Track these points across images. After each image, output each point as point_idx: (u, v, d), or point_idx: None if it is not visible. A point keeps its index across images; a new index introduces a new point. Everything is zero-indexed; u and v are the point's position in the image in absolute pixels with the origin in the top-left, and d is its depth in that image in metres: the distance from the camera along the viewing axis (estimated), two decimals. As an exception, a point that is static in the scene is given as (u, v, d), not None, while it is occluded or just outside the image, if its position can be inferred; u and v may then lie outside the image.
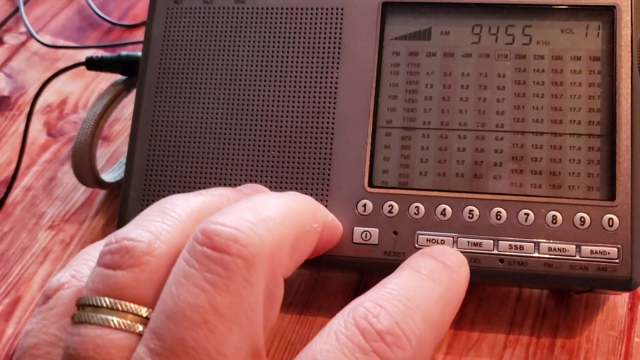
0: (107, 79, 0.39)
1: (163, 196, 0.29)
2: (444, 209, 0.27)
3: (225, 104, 0.30)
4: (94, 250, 0.25)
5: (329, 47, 0.29)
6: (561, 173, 0.27)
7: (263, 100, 0.30)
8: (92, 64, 0.34)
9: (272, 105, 0.29)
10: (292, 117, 0.29)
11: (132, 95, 0.34)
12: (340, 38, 0.29)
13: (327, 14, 0.30)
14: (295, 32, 0.30)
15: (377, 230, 0.28)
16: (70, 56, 0.42)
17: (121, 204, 0.30)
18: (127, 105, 0.39)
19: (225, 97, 0.30)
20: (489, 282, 0.29)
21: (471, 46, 0.29)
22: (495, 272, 0.27)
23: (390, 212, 0.28)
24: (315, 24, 0.30)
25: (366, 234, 0.28)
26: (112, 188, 0.35)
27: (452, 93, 0.28)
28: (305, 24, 0.30)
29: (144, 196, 0.30)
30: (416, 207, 0.28)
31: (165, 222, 0.23)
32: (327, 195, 0.28)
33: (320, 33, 0.30)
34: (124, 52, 0.34)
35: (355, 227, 0.28)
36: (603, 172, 0.27)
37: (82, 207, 0.35)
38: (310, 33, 0.30)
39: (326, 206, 0.28)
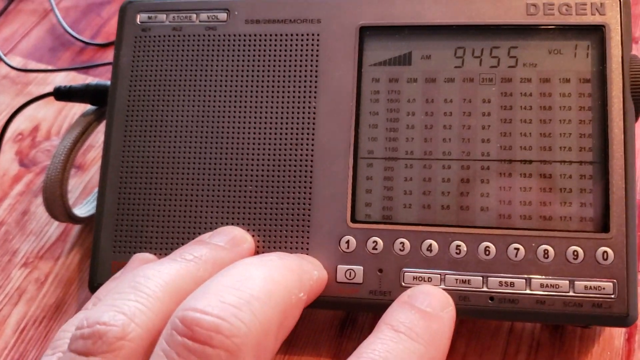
0: (79, 104, 0.38)
1: (135, 232, 0.28)
2: (430, 245, 0.26)
3: (197, 136, 0.28)
4: (73, 327, 0.24)
5: (305, 76, 0.28)
6: (552, 203, 0.26)
7: (237, 132, 0.28)
8: (61, 95, 0.33)
9: (248, 138, 0.28)
10: (268, 149, 0.28)
11: (103, 121, 0.33)
12: (317, 65, 0.28)
13: (302, 40, 0.28)
14: (269, 60, 0.28)
15: (362, 268, 0.26)
16: (42, 79, 0.40)
17: (93, 241, 0.29)
18: (102, 131, 0.37)
19: (197, 129, 0.28)
20: (479, 319, 0.28)
21: (454, 70, 0.27)
22: (485, 310, 0.25)
23: (374, 248, 0.26)
24: (290, 51, 0.28)
25: (350, 272, 0.26)
26: (86, 222, 0.33)
27: (434, 121, 0.27)
28: (280, 51, 0.28)
29: (117, 232, 0.28)
30: (401, 242, 0.26)
31: (139, 300, 0.21)
32: (308, 232, 0.27)
33: (295, 61, 0.28)
34: (92, 82, 0.32)
35: (339, 265, 0.27)
36: (596, 202, 0.26)
37: (56, 242, 0.34)
38: (285, 61, 0.28)
39: (308, 244, 0.27)
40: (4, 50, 0.42)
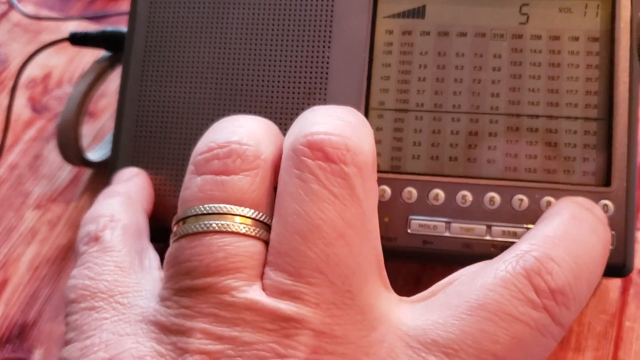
0: (91, 52, 0.38)
1: (151, 174, 0.29)
2: (437, 194, 0.27)
3: (213, 83, 0.29)
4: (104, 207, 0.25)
5: (320, 26, 0.29)
6: (556, 157, 0.27)
7: (252, 80, 0.29)
8: (76, 40, 0.33)
9: (262, 85, 0.29)
10: (282, 97, 0.28)
11: (118, 70, 0.34)
12: (332, 16, 0.28)
13: (318, -10, 0.29)
14: (285, 9, 0.29)
15: (369, 214, 0.27)
16: (53, 28, 0.41)
17: (109, 182, 0.30)
18: (113, 80, 0.37)
19: (213, 76, 0.29)
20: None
21: (466, 25, 0.28)
22: (488, 258, 0.26)
23: (382, 196, 0.27)
24: (306, 1, 0.29)
25: (358, 218, 0.27)
26: (99, 167, 0.34)
27: (446, 74, 0.28)
28: (296, 1, 0.29)
29: (132, 177, 0.29)
30: (409, 191, 0.27)
31: (255, 131, 0.22)
32: (318, 179, 0.28)
33: (311, 11, 0.29)
34: (108, 28, 0.33)
35: (346, 212, 0.27)
36: (599, 157, 0.26)
37: (68, 186, 0.34)
38: (301, 10, 0.29)
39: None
40: (16, -2, 0.42)
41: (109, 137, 0.35)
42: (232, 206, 0.20)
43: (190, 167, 0.22)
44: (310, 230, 0.19)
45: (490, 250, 0.26)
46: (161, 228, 0.27)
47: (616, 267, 0.26)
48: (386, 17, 0.28)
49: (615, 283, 0.29)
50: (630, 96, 0.26)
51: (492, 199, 0.27)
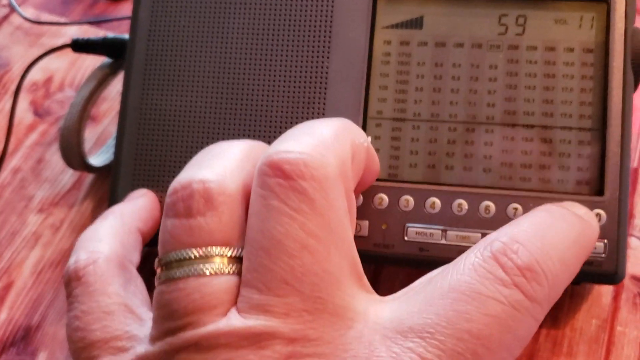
0: (92, 57, 0.38)
1: (153, 183, 0.29)
2: (434, 202, 0.27)
3: (213, 92, 0.29)
4: (90, 232, 0.25)
5: (319, 36, 0.29)
6: (550, 167, 0.27)
7: (252, 89, 0.29)
8: (78, 47, 0.33)
9: (262, 94, 0.29)
10: (282, 106, 0.29)
11: (119, 74, 0.34)
12: (331, 27, 0.29)
13: (317, 1, 0.29)
14: (285, 19, 0.29)
15: (367, 222, 0.28)
16: (54, 31, 0.41)
17: (110, 191, 0.30)
18: (114, 84, 0.38)
19: (214, 85, 0.30)
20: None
21: (463, 36, 0.28)
22: (483, 265, 0.27)
23: (380, 204, 0.28)
24: (306, 11, 0.29)
25: (357, 226, 0.28)
26: (101, 171, 0.35)
27: (443, 84, 0.28)
28: (296, 10, 0.29)
29: (134, 183, 0.30)
30: (406, 199, 0.28)
31: (225, 163, 0.22)
32: (317, 187, 0.28)
33: (310, 21, 0.29)
34: (110, 35, 0.33)
35: (345, 219, 0.28)
36: (592, 167, 0.27)
37: (70, 190, 0.35)
38: (300, 20, 0.29)
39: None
40: (17, 1, 0.42)
41: (110, 142, 0.35)
42: (203, 249, 0.21)
43: (164, 208, 0.22)
44: (272, 245, 0.20)
45: (486, 258, 0.27)
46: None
47: (608, 275, 0.26)
48: (385, 28, 0.29)
49: (608, 288, 0.30)
50: (623, 107, 0.27)
51: (487, 208, 0.27)
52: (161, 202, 0.29)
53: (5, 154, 0.35)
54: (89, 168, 0.34)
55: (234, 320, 0.20)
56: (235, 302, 0.21)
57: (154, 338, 0.21)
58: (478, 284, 0.20)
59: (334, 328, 0.20)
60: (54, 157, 0.36)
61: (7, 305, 0.31)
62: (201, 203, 0.21)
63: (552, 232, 0.22)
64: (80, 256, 0.25)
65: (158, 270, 0.22)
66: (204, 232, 0.21)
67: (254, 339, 0.20)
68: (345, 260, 0.21)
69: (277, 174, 0.21)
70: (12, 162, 0.36)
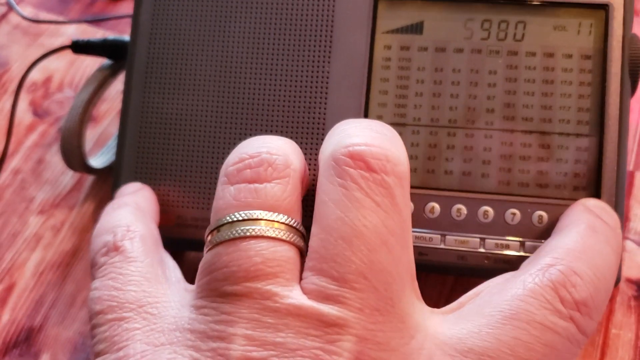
0: (92, 58, 0.38)
1: (154, 184, 0.29)
2: (433, 207, 0.28)
3: (214, 95, 0.30)
4: (116, 216, 0.25)
5: (320, 41, 0.29)
6: (548, 173, 0.28)
7: (253, 92, 0.29)
8: (79, 48, 0.33)
9: (263, 98, 0.29)
10: (283, 110, 0.29)
11: (120, 75, 0.34)
12: (332, 31, 0.29)
13: (318, 6, 0.29)
14: (286, 23, 0.29)
15: (367, 226, 0.28)
16: (53, 30, 0.41)
17: (112, 192, 0.30)
18: (114, 84, 0.38)
19: (215, 88, 0.30)
20: (475, 278, 0.29)
21: (463, 41, 0.29)
22: (481, 269, 0.27)
23: (380, 208, 0.28)
24: (307, 16, 0.29)
25: (356, 230, 0.28)
26: (101, 173, 0.35)
27: (442, 89, 0.28)
28: (297, 15, 0.29)
29: (135, 186, 0.30)
30: (405, 204, 0.28)
31: (282, 144, 0.23)
32: (317, 191, 0.29)
33: (311, 26, 0.29)
34: (110, 37, 0.33)
35: (345, 223, 0.28)
36: (590, 173, 0.27)
37: (71, 191, 0.35)
38: (301, 25, 0.29)
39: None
40: (15, 0, 0.42)
41: (111, 143, 0.36)
42: (267, 212, 0.21)
43: (222, 179, 0.22)
44: (354, 235, 0.20)
45: (484, 263, 0.27)
46: (164, 238, 0.28)
47: (604, 279, 0.27)
48: (385, 33, 0.29)
49: (603, 291, 0.30)
50: (620, 113, 0.27)
51: (486, 213, 0.27)
52: (161, 199, 0.29)
53: (5, 155, 0.36)
54: (90, 169, 0.34)
55: (306, 302, 0.19)
56: (297, 279, 0.20)
57: (200, 306, 0.20)
58: (539, 314, 0.21)
59: (400, 335, 0.20)
60: (54, 159, 0.36)
61: (10, 306, 0.31)
62: (269, 171, 0.21)
63: (602, 261, 0.23)
64: (118, 232, 0.24)
65: (209, 237, 0.21)
66: (270, 196, 0.21)
67: (326, 330, 0.19)
68: (409, 264, 0.21)
69: (360, 166, 0.21)
70: (12, 163, 0.36)
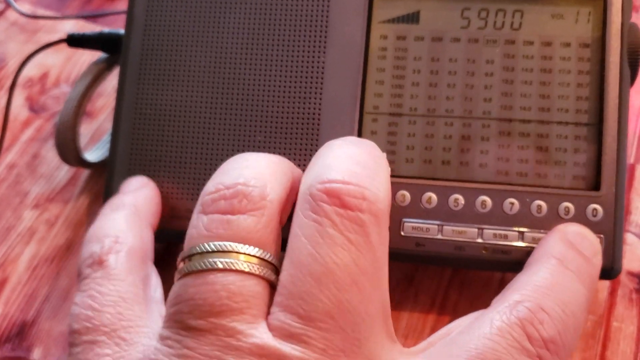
0: (89, 52, 0.38)
1: (148, 177, 0.29)
2: (430, 197, 0.27)
3: (209, 87, 0.29)
4: (109, 222, 0.25)
5: (315, 31, 0.29)
6: (547, 162, 0.27)
7: (248, 84, 0.29)
8: (74, 41, 0.33)
9: (258, 89, 0.29)
10: (278, 101, 0.29)
11: (115, 70, 0.34)
12: (327, 21, 0.29)
13: (314, -5, 0.29)
14: (281, 14, 0.29)
15: (363, 217, 0.28)
16: (50, 26, 0.41)
17: (106, 186, 0.30)
18: (110, 79, 0.38)
19: (210, 80, 0.29)
20: (473, 269, 0.29)
21: (460, 31, 0.28)
22: (479, 260, 0.27)
23: (376, 199, 0.28)
24: (302, 6, 0.29)
25: (352, 221, 0.28)
26: (97, 167, 0.34)
27: (439, 79, 0.28)
28: (292, 5, 0.29)
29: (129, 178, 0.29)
30: (402, 194, 0.28)
31: (263, 171, 0.22)
32: (313, 182, 0.28)
33: (307, 15, 0.29)
34: (105, 30, 0.33)
35: (341, 214, 0.28)
36: (589, 162, 0.27)
37: (66, 186, 0.35)
38: (296, 15, 0.29)
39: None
40: (13, -4, 0.42)
41: (106, 138, 0.35)
42: (237, 244, 0.20)
43: (198, 207, 0.22)
44: (324, 273, 0.20)
45: (482, 253, 0.27)
46: (157, 231, 0.28)
47: (605, 270, 0.26)
48: (381, 22, 0.29)
49: (604, 284, 0.30)
50: (620, 102, 0.27)
51: (483, 203, 0.27)
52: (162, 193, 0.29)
53: (0, 149, 0.35)
54: (85, 164, 0.33)
55: (269, 341, 0.19)
56: (264, 314, 0.20)
57: (165, 337, 0.20)
58: (506, 353, 0.20)
59: None
60: (50, 153, 0.36)
61: (2, 300, 0.31)
62: (244, 203, 0.21)
63: (571, 298, 0.23)
64: (105, 243, 0.24)
65: (181, 265, 0.21)
66: (242, 228, 0.21)
67: None
68: (381, 304, 0.21)
69: (335, 203, 0.20)
70: (7, 158, 0.36)
